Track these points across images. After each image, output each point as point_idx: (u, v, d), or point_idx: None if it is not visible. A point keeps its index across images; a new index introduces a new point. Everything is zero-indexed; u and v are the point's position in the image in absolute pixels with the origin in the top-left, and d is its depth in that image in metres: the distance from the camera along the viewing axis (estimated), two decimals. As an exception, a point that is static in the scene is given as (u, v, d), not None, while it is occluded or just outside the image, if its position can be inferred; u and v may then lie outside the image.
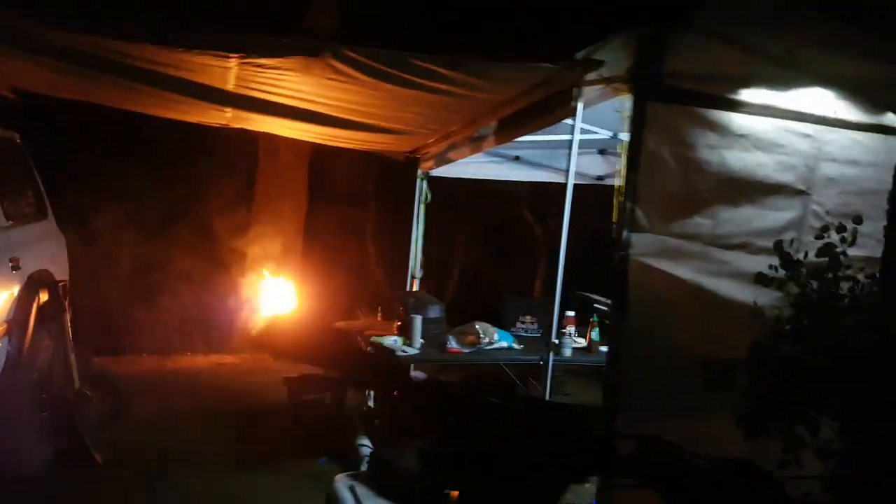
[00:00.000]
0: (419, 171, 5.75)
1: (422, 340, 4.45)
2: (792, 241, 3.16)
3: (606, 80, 3.13)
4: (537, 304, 5.52)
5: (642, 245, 3.03)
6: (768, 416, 3.21)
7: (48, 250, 4.69)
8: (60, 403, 4.37)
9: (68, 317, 4.42)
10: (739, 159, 3.10)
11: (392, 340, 4.40)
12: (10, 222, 4.16)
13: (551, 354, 3.38)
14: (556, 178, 5.86)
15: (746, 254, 3.16)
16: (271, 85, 3.35)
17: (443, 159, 5.20)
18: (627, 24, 2.98)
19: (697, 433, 3.17)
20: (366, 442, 4.56)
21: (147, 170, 8.30)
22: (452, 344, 4.37)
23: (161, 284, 8.86)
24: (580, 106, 3.29)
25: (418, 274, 5.82)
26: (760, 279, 3.18)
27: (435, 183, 5.91)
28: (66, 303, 4.43)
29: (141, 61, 3.00)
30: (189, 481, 4.33)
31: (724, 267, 3.13)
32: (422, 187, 5.80)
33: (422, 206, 5.83)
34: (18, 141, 4.70)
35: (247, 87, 3.42)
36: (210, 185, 8.92)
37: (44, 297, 4.19)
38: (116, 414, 4.95)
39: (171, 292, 8.83)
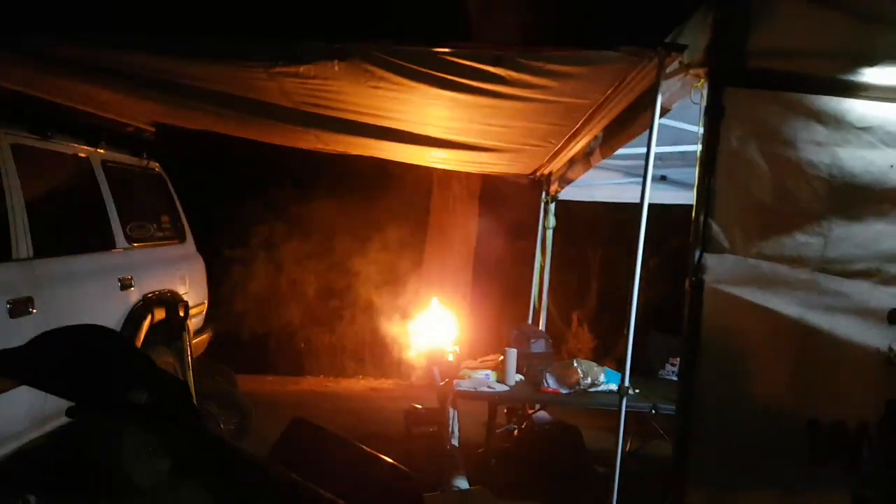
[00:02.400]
0: (543, 195, 5.28)
1: (520, 377, 4.01)
2: (948, 270, 2.36)
3: (686, 68, 2.56)
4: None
5: (721, 269, 2.41)
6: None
7: (177, 272, 4.95)
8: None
9: (188, 335, 4.61)
10: (861, 159, 2.36)
11: (483, 375, 4.01)
12: (132, 245, 4.44)
13: (624, 400, 2.80)
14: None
15: (875, 284, 2.40)
16: (326, 98, 3.18)
17: (564, 179, 4.72)
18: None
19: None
20: (462, 483, 4.18)
21: (335, 204, 8.79)
22: (549, 383, 3.88)
23: (340, 311, 9.36)
24: (659, 101, 2.72)
25: (543, 305, 5.32)
26: (898, 318, 2.42)
27: (611, 209, 5.36)
28: (188, 322, 4.63)
29: (178, 76, 3.02)
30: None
31: (840, 300, 2.39)
32: (547, 211, 5.31)
33: (548, 233, 5.33)
34: (157, 170, 5.04)
35: (306, 104, 3.30)
36: (390, 218, 9.19)
37: (160, 315, 4.39)
38: (240, 432, 5.08)
39: (349, 318, 9.32)
